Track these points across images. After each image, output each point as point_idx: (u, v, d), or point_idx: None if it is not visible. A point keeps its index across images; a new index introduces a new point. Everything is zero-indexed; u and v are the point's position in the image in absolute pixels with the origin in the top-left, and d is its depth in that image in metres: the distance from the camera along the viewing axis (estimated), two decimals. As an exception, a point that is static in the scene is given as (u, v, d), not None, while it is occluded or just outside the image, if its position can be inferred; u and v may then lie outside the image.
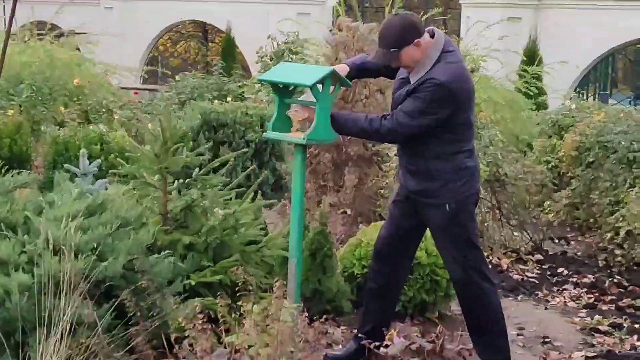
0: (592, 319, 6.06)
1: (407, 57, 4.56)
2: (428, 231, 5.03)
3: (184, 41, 29.44)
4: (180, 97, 12.36)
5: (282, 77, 4.63)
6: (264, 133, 4.91)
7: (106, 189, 5.49)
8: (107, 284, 4.13)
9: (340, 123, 4.61)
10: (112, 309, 4.07)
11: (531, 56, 15.76)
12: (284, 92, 4.66)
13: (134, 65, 20.32)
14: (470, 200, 4.71)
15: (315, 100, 4.50)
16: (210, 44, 29.23)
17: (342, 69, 4.74)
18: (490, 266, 5.89)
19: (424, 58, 4.55)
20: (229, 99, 12.10)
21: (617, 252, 7.20)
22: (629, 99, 20.99)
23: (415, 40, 4.52)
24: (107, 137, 7.92)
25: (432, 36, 4.61)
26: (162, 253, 4.57)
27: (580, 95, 19.92)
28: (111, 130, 8.50)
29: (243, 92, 13.96)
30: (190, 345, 4.04)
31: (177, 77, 13.42)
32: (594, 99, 20.59)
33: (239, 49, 20.87)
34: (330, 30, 15.42)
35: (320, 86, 4.47)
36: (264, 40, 19.17)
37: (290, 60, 12.32)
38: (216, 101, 10.51)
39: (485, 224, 7.59)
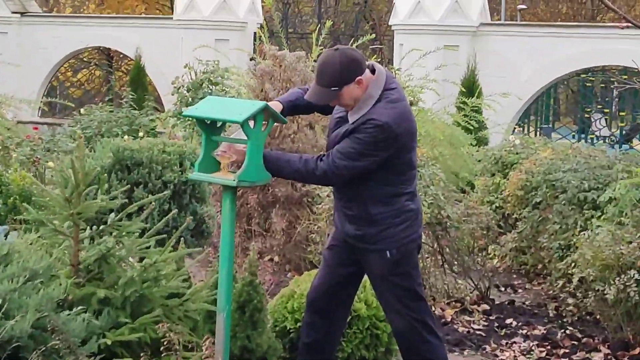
0: (545, 375, 6.15)
1: (348, 96, 4.60)
2: (368, 280, 5.06)
3: (86, 69, 29.18)
4: (86, 132, 12.23)
5: (209, 112, 4.63)
6: (189, 174, 4.89)
7: (6, 237, 5.39)
8: (14, 344, 4.05)
9: (271, 163, 4.62)
10: (19, 373, 3.99)
11: (470, 87, 16.02)
12: (212, 128, 4.66)
13: (32, 97, 20.05)
14: (412, 246, 4.76)
15: (246, 138, 4.50)
16: (116, 72, 29.04)
17: (275, 107, 4.75)
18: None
19: (364, 96, 4.59)
20: (140, 134, 12.01)
21: (570, 301, 7.31)
22: (574, 133, 21.44)
23: (357, 78, 4.57)
24: (6, 178, 7.78)
25: (373, 72, 4.66)
26: (74, 309, 4.50)
27: (522, 129, 20.32)
28: (8, 170, 8.36)
29: (155, 126, 13.88)
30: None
31: (82, 110, 13.29)
32: (536, 134, 21.00)
33: (149, 79, 20.77)
34: (252, 59, 15.50)
35: (251, 123, 4.48)
36: (177, 69, 19.07)
37: (209, 91, 12.31)
38: (126, 137, 10.42)
39: (427, 271, 7.65)
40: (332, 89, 4.58)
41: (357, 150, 4.55)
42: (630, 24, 3.99)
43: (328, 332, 5.02)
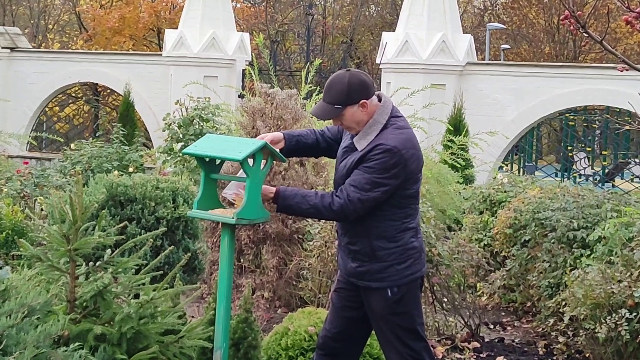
0: (537, 412, 6.12)
1: (350, 117, 4.59)
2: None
3: (74, 104, 29.18)
4: (75, 167, 12.20)
5: (209, 150, 4.62)
6: (188, 211, 4.87)
7: (-2, 272, 5.35)
8: (12, 381, 3.99)
9: (287, 198, 4.59)
10: (17, 410, 3.93)
11: (456, 125, 16.08)
12: (211, 166, 4.65)
13: (20, 131, 20.03)
14: (414, 285, 4.73)
15: (245, 176, 4.49)
16: (104, 107, 29.03)
17: (276, 138, 4.75)
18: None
19: (371, 122, 4.59)
20: (130, 169, 11.98)
21: (560, 339, 7.29)
22: (557, 172, 21.51)
23: (362, 101, 4.57)
24: (-2, 212, 7.75)
25: (380, 100, 4.67)
26: (70, 345, 4.45)
27: (507, 168, 20.38)
28: (-1, 204, 8.32)
29: (144, 162, 13.86)
30: None
31: (72, 145, 13.26)
32: (519, 172, 21.07)
33: (138, 115, 20.77)
34: (241, 96, 15.52)
35: (251, 161, 4.47)
36: (165, 105, 19.16)
37: (200, 128, 12.32)
38: (116, 172, 10.40)
39: (418, 309, 7.61)
40: (336, 106, 4.58)
41: (369, 180, 4.52)
42: (628, 67, 4.02)
43: None
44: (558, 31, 36.96)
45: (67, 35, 42.90)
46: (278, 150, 4.69)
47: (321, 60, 12.96)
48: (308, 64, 12.56)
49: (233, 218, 4.47)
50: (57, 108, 27.53)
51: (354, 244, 4.71)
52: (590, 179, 21.63)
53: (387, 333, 4.73)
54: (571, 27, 4.10)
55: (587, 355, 7.10)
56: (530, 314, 8.77)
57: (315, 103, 11.30)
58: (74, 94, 27.80)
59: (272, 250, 8.39)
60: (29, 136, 18.87)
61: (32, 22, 39.82)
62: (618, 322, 6.30)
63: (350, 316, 4.86)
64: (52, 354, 4.17)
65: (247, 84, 14.05)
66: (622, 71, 4.27)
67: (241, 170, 4.58)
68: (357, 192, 4.52)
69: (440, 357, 7.25)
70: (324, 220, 7.48)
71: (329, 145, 4.93)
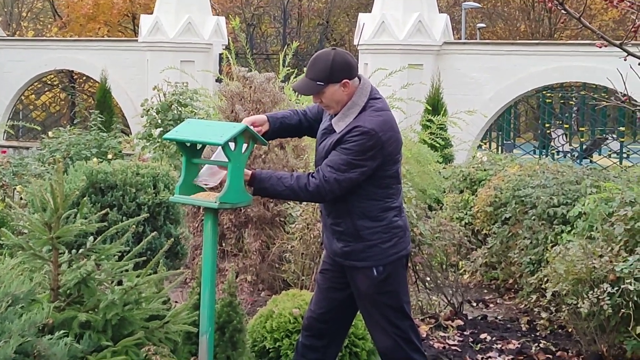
0: (522, 388, 6.16)
1: (330, 95, 4.60)
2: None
3: (50, 91, 29.01)
4: (54, 155, 12.15)
5: (189, 135, 4.60)
6: (170, 197, 4.86)
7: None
8: (-3, 371, 3.99)
9: (263, 181, 4.59)
10: (3, 400, 3.92)
11: (435, 105, 16.09)
12: (192, 151, 4.63)
13: (-5, 120, 19.95)
14: (400, 263, 4.76)
15: (226, 160, 4.48)
16: (80, 94, 28.89)
17: (259, 120, 4.76)
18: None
19: (350, 104, 4.61)
20: (109, 156, 11.94)
21: (543, 315, 7.34)
22: (535, 149, 21.59)
23: (344, 81, 4.58)
24: (-22, 202, 7.70)
25: (359, 81, 4.69)
26: (55, 333, 4.44)
27: (486, 146, 20.44)
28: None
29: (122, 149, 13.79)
30: None
31: (50, 133, 13.18)
32: (498, 150, 21.15)
33: (115, 101, 20.69)
34: (218, 80, 15.47)
35: (232, 145, 4.46)
36: (143, 90, 19.09)
37: (178, 113, 12.28)
38: (95, 159, 10.35)
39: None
40: (318, 83, 4.59)
41: (346, 161, 4.54)
42: (606, 44, 4.04)
43: (326, 354, 5.01)
44: (533, 9, 37.06)
45: (41, 23, 42.63)
46: (263, 133, 4.70)
47: (298, 43, 12.93)
48: (285, 46, 12.52)
49: (216, 202, 4.46)
50: (33, 96, 27.39)
51: (338, 225, 4.73)
52: (568, 155, 21.74)
53: (374, 313, 4.75)
54: (549, 4, 4.11)
55: (570, 330, 7.15)
56: (513, 290, 8.83)
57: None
58: (49, 82, 27.67)
59: (254, 233, 8.39)
60: (6, 125, 18.75)
61: (5, 10, 39.53)
62: (600, 297, 6.32)
63: (336, 297, 4.87)
64: (38, 342, 4.16)
65: (224, 68, 14.02)
66: (600, 47, 4.29)
67: (215, 153, 4.58)
68: (333, 173, 4.54)
69: (424, 335, 7.28)
70: (305, 203, 7.48)
71: (311, 125, 4.95)
